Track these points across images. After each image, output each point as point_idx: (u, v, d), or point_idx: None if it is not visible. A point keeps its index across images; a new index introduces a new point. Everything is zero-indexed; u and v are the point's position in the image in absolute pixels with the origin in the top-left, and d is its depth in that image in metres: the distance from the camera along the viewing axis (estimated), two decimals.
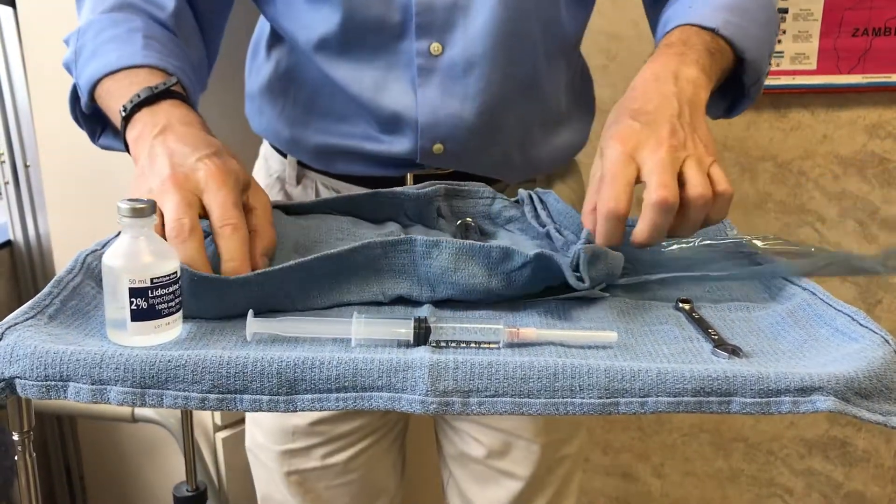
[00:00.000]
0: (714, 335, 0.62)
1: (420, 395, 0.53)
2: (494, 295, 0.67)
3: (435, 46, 0.85)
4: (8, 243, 1.51)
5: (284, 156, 0.99)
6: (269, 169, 1.01)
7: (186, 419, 1.24)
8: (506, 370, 0.54)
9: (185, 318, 0.60)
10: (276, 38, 0.95)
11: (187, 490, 1.28)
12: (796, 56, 1.59)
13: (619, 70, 1.58)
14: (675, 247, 0.74)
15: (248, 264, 0.64)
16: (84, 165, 1.35)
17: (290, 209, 0.81)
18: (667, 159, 0.66)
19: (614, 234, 0.67)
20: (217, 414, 1.34)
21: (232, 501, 1.40)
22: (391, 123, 0.88)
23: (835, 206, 1.69)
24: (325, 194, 0.96)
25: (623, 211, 0.66)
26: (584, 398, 0.54)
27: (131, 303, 0.56)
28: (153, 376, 0.53)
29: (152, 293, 0.56)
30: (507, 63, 0.87)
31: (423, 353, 0.56)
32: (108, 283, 0.57)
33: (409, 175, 0.92)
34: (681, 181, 0.67)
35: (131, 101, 0.73)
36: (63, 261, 1.44)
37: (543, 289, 0.68)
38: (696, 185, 0.66)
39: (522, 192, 0.85)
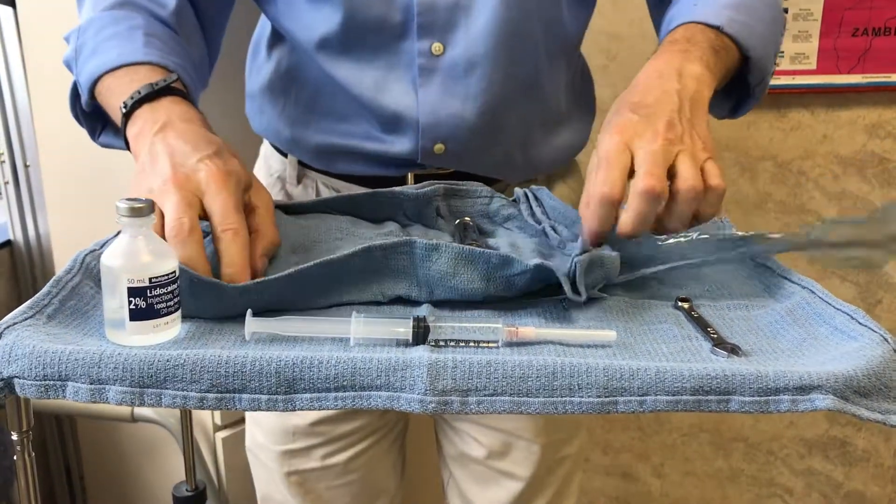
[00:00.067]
0: (713, 334, 0.62)
1: (419, 394, 0.53)
2: (493, 297, 0.67)
3: (436, 46, 0.85)
4: (8, 243, 1.51)
5: (285, 155, 0.99)
6: (269, 168, 1.01)
7: (186, 419, 1.24)
8: (504, 369, 0.54)
9: (184, 317, 0.60)
10: (277, 37, 0.94)
11: (187, 490, 1.28)
12: (796, 56, 1.59)
13: (619, 70, 1.58)
14: (671, 241, 0.74)
15: (248, 271, 0.64)
16: (84, 165, 1.35)
17: (288, 209, 0.81)
18: (659, 151, 0.66)
19: (607, 219, 0.67)
20: (217, 414, 1.34)
21: (232, 501, 1.39)
22: (392, 123, 0.88)
23: (835, 206, 1.69)
24: (326, 194, 0.95)
25: (617, 196, 0.66)
26: (582, 397, 0.54)
27: (130, 302, 0.56)
28: (152, 376, 0.53)
29: (151, 293, 0.56)
30: (509, 63, 0.87)
31: (421, 353, 0.55)
32: (106, 282, 0.57)
33: (410, 175, 0.92)
34: (673, 174, 0.66)
35: (132, 98, 0.72)
36: (63, 261, 1.43)
37: (542, 287, 0.68)
38: (687, 178, 0.66)
39: (518, 191, 0.85)
